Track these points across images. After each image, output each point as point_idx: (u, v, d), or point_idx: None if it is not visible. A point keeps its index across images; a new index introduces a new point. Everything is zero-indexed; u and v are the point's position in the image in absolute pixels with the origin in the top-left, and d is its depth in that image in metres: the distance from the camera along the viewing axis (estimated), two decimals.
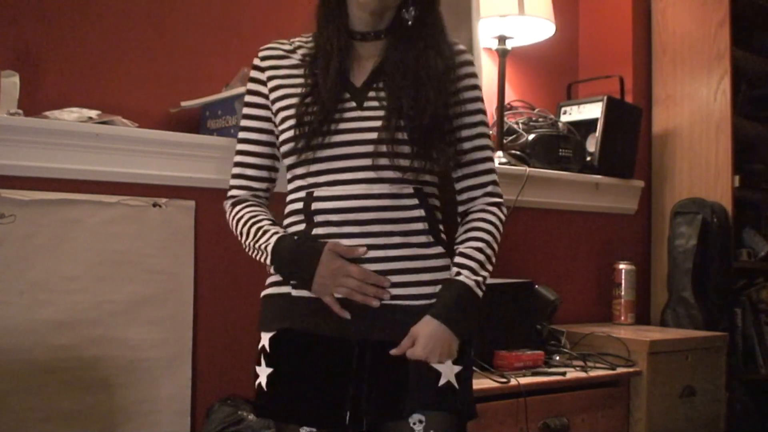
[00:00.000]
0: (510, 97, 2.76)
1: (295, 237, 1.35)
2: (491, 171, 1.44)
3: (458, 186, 1.45)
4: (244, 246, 1.42)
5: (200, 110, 2.02)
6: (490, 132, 1.45)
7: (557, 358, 2.24)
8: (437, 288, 1.35)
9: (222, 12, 2.14)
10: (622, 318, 2.76)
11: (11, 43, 1.82)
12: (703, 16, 2.91)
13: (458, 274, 1.34)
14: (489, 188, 1.43)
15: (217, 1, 2.14)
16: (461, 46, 1.44)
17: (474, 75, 1.44)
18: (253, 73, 1.44)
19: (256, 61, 1.44)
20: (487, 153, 1.43)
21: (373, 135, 1.32)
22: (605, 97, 2.72)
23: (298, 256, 1.33)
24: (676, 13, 3.00)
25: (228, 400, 1.89)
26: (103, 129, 1.79)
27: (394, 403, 1.32)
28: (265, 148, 1.45)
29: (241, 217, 1.43)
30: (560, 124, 2.67)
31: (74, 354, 1.77)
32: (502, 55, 2.58)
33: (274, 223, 1.41)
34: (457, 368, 1.35)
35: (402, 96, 1.33)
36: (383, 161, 1.32)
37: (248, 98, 1.45)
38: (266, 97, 1.42)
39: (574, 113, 2.80)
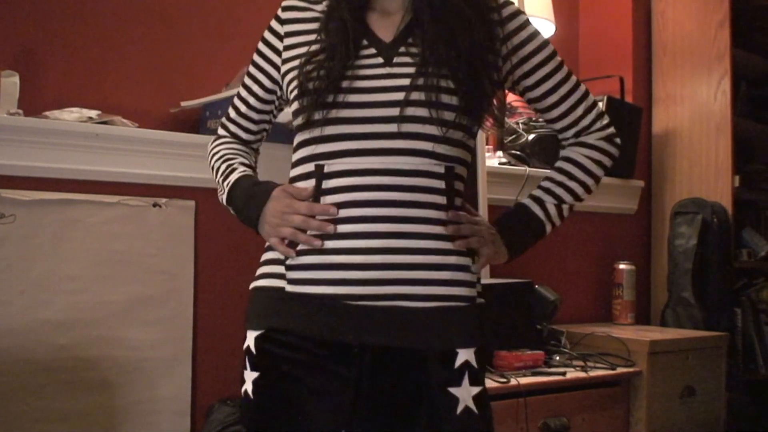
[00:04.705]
0: (510, 97, 2.75)
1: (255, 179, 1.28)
2: (589, 110, 1.41)
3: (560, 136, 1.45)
4: (215, 183, 1.35)
5: (200, 110, 2.02)
6: (571, 75, 1.41)
7: (557, 358, 2.24)
8: (452, 289, 1.17)
9: (222, 12, 2.14)
10: (622, 318, 2.76)
11: (11, 43, 1.82)
12: (703, 16, 2.91)
13: (538, 200, 1.33)
14: (595, 123, 1.42)
15: (217, 1, 2.14)
16: None
17: (527, 25, 1.30)
18: (272, 23, 1.31)
19: (279, 12, 1.31)
20: (574, 97, 1.41)
21: (403, 95, 1.15)
22: (605, 97, 2.72)
23: (251, 197, 1.24)
24: (676, 13, 3.00)
25: (228, 400, 1.89)
26: (103, 129, 1.79)
27: (400, 424, 1.17)
28: (262, 104, 1.36)
29: (218, 152, 1.36)
30: None
31: (74, 354, 1.77)
32: None
33: (248, 165, 1.33)
34: (476, 390, 1.17)
35: (439, 42, 1.17)
36: (412, 127, 1.14)
37: (260, 46, 1.33)
38: (278, 52, 1.29)
39: None
